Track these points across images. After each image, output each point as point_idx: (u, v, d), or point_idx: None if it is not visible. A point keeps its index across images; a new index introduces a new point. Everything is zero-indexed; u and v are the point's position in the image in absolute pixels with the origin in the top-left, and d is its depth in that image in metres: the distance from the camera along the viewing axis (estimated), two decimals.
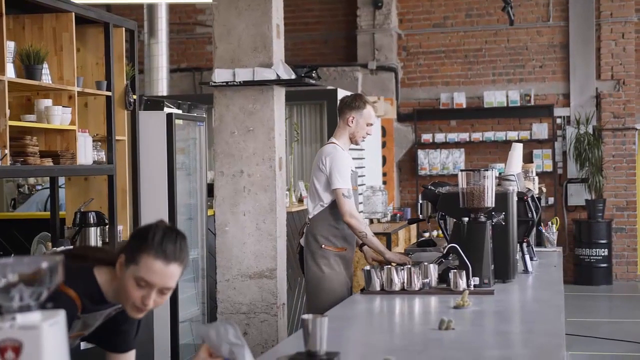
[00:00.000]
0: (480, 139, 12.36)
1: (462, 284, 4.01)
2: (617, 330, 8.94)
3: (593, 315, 10.02)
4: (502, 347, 2.99)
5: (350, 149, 9.01)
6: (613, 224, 12.06)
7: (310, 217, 5.13)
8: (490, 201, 4.21)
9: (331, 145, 5.10)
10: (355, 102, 5.12)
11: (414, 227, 10.61)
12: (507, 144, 11.44)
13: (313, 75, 5.66)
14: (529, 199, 4.84)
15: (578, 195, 12.18)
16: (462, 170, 4.28)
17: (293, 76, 5.41)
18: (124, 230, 5.67)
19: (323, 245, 5.00)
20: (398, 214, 10.41)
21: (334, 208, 4.98)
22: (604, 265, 11.85)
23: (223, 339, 2.34)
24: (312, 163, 5.28)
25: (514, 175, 4.99)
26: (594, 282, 11.78)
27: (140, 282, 2.48)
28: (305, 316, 2.66)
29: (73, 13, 5.01)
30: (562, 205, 12.31)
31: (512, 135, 12.18)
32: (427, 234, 10.07)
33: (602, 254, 11.82)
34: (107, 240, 5.44)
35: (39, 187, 7.93)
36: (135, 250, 2.50)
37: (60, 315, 1.71)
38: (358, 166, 9.82)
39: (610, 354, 7.93)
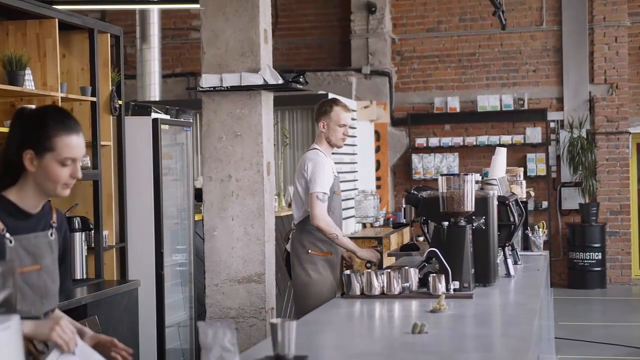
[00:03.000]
0: (474, 143, 12.38)
1: (442, 288, 4.02)
2: (609, 334, 8.94)
3: (586, 319, 10.03)
4: (470, 351, 3.01)
5: (341, 153, 9.07)
6: (607, 228, 12.07)
7: (295, 222, 5.19)
8: (470, 205, 4.21)
9: (313, 152, 5.17)
10: (322, 107, 5.23)
11: (407, 231, 10.61)
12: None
13: (300, 80, 5.67)
14: (512, 203, 4.85)
15: (572, 199, 12.19)
16: (442, 175, 4.29)
17: (280, 81, 5.42)
18: (109, 236, 5.69)
19: (310, 251, 5.06)
20: (391, 219, 10.41)
21: None
22: (598, 269, 11.86)
23: (218, 341, 2.34)
24: None
25: (495, 179, 5.00)
26: (587, 286, 11.78)
27: (65, 162, 2.61)
28: (274, 320, 2.69)
29: (56, 19, 5.03)
30: (556, 209, 12.32)
31: (506, 139, 12.19)
32: (421, 239, 10.07)
33: (596, 258, 11.82)
34: (92, 245, 5.46)
35: None
36: (44, 138, 2.60)
37: (14, 320, 1.73)
38: (350, 170, 9.86)
39: (602, 358, 7.93)
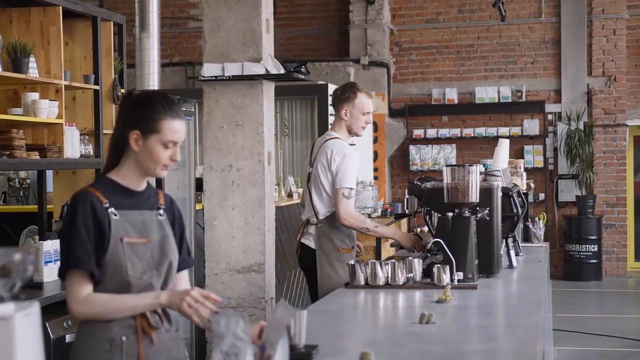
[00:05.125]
0: (472, 135, 12.39)
1: (446, 278, 4.03)
2: (605, 325, 8.98)
3: (582, 310, 10.07)
4: (479, 341, 3.02)
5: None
6: (603, 220, 12.10)
7: (320, 217, 4.93)
8: (474, 196, 4.22)
9: (337, 141, 4.92)
10: (345, 93, 4.95)
11: (404, 222, 10.63)
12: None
13: (302, 70, 5.66)
14: (514, 195, 4.85)
15: (568, 191, 12.22)
16: (447, 166, 4.29)
17: (282, 71, 5.40)
18: None
19: (340, 249, 4.88)
20: (389, 209, 10.42)
21: None
22: (594, 261, 11.90)
23: (231, 330, 2.34)
24: (302, 158, 5.23)
25: (499, 170, 5.00)
26: (583, 278, 11.82)
27: (167, 145, 2.74)
28: None
29: (60, 7, 5.01)
30: (553, 201, 12.35)
31: (504, 131, 12.21)
32: (418, 229, 10.08)
33: (592, 250, 11.86)
34: None
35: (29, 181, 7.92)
36: (152, 121, 2.73)
37: (34, 307, 1.73)
38: None
39: (598, 349, 7.96)
